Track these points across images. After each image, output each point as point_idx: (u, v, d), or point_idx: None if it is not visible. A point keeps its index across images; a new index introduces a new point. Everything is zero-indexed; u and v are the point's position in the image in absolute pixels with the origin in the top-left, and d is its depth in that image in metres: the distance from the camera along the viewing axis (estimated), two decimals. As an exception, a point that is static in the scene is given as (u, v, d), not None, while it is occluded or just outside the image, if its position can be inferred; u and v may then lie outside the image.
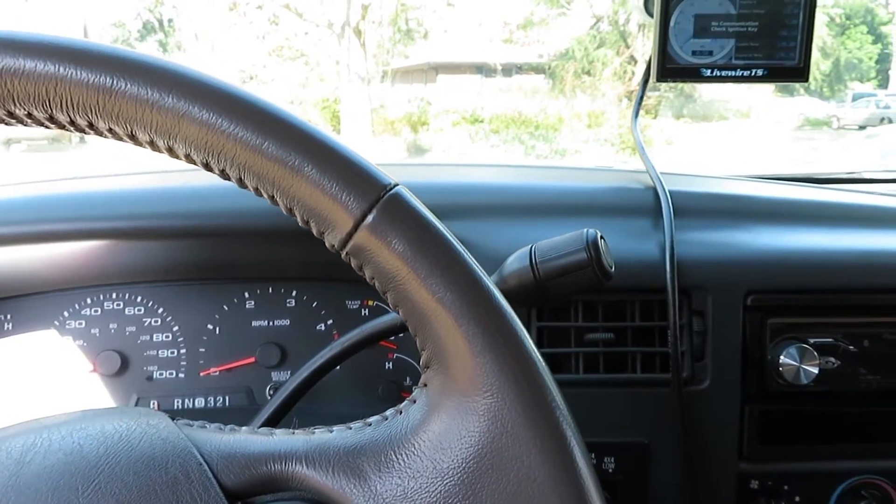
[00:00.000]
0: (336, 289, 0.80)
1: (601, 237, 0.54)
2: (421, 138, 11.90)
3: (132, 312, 0.79)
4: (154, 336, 0.79)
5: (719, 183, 0.89)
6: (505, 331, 0.34)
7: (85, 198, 0.76)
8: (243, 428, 0.37)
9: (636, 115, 0.90)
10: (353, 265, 0.35)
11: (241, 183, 0.35)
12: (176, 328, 0.79)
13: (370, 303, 0.80)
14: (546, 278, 0.54)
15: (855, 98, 19.67)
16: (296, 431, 0.36)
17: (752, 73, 0.81)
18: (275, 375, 0.79)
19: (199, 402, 0.78)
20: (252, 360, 0.79)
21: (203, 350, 0.80)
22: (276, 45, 18.66)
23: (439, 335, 0.34)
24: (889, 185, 1.29)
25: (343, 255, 0.35)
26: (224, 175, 0.35)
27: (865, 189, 1.19)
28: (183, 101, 0.34)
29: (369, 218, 0.34)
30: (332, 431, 0.36)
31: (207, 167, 0.35)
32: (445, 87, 17.99)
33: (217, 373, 0.79)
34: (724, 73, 0.81)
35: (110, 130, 0.35)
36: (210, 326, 0.80)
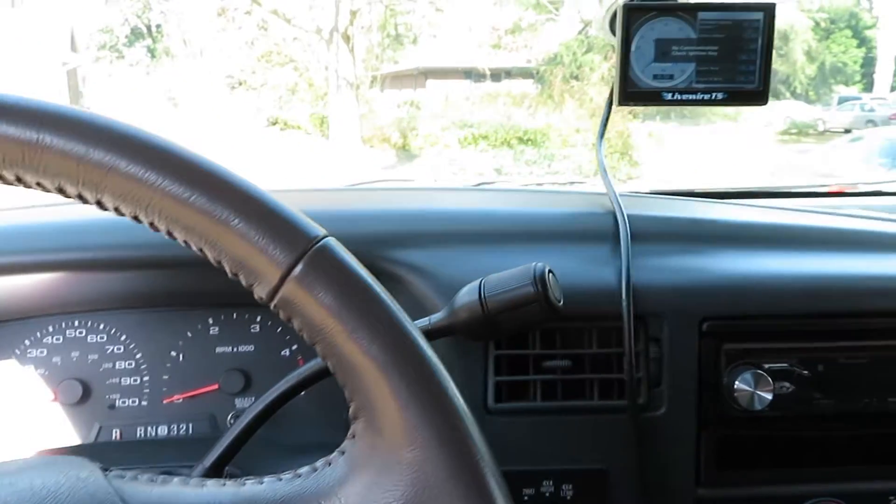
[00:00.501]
0: None
1: (549, 271, 0.55)
2: (411, 143, 11.91)
3: (94, 340, 0.79)
4: (116, 364, 0.79)
5: (680, 205, 0.90)
6: (430, 384, 0.34)
7: (41, 229, 0.75)
8: (175, 479, 0.37)
9: (601, 136, 0.90)
10: (281, 317, 0.35)
11: (170, 235, 0.35)
12: (139, 355, 0.79)
13: None
14: (495, 312, 0.54)
15: (840, 101, 19.85)
16: (227, 483, 0.36)
17: (713, 97, 0.82)
18: (238, 402, 0.79)
19: (162, 431, 0.78)
20: (215, 386, 0.79)
21: (166, 377, 0.79)
22: (265, 51, 18.64)
23: (366, 387, 0.34)
24: (863, 197, 1.30)
25: (271, 307, 0.35)
26: (153, 227, 0.35)
27: (836, 203, 1.21)
28: (109, 154, 0.34)
29: (296, 270, 0.34)
30: (262, 483, 0.36)
31: (136, 219, 0.35)
32: (435, 92, 18.01)
33: (180, 400, 0.79)
34: (684, 96, 0.82)
35: (38, 184, 0.35)
36: (173, 353, 0.80)
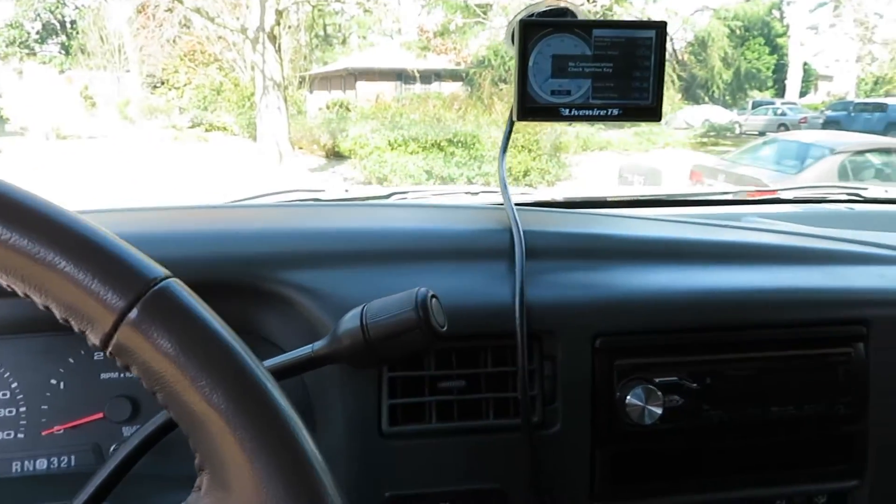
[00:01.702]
0: None
1: (433, 296, 0.54)
2: (340, 145, 11.77)
3: None
4: None
5: (578, 219, 0.91)
6: (278, 433, 0.33)
7: None
8: None
9: (503, 151, 0.90)
10: (119, 365, 0.33)
11: None
12: (14, 385, 0.74)
13: None
14: (376, 339, 0.53)
15: (755, 106, 20.86)
16: None
17: (609, 113, 0.83)
18: (126, 430, 0.75)
19: (41, 464, 0.73)
20: (100, 415, 0.74)
21: (46, 407, 0.74)
22: (189, 49, 18.10)
23: (211, 438, 0.32)
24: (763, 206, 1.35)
25: (107, 354, 0.33)
26: None
27: (737, 210, 1.25)
28: None
29: (132, 314, 0.32)
30: None
31: None
32: (365, 93, 17.89)
33: (62, 431, 0.74)
34: (581, 112, 0.82)
35: None
36: (54, 381, 0.75)
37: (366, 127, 11.62)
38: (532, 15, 0.87)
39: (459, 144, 10.62)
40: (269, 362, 0.56)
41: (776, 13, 24.90)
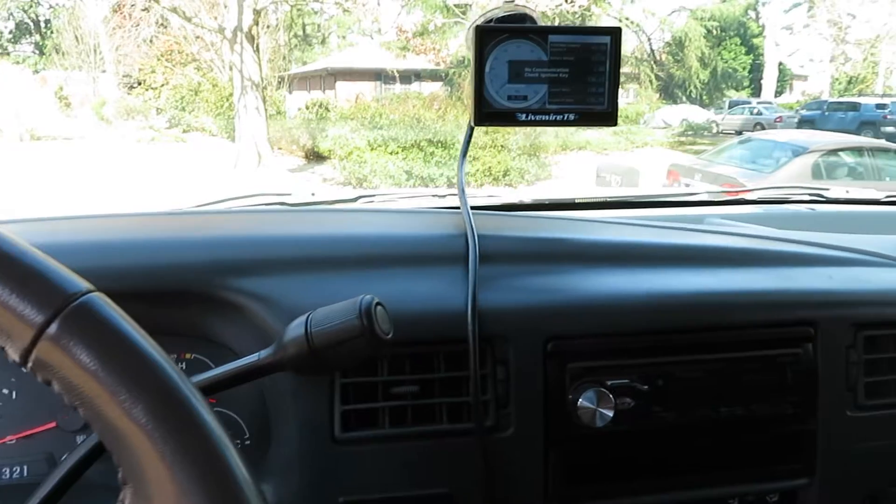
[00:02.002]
0: None
1: (378, 304, 0.54)
2: (320, 145, 11.72)
3: None
4: None
5: (533, 223, 0.91)
6: (201, 447, 0.33)
7: None
8: None
9: (463, 155, 0.90)
10: (39, 380, 0.33)
11: None
12: None
13: (187, 356, 0.77)
14: (320, 347, 0.53)
15: (731, 105, 21.14)
16: None
17: (565, 118, 0.83)
18: (79, 439, 0.75)
19: None
20: (53, 424, 0.74)
21: None
22: (166, 49, 17.91)
23: (133, 453, 0.32)
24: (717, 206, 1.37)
25: (27, 368, 0.33)
26: None
27: (698, 212, 1.26)
28: None
29: (51, 329, 0.32)
30: None
31: None
32: (344, 94, 17.83)
33: (13, 441, 0.74)
34: (538, 117, 0.83)
35: None
36: (6, 391, 0.74)
37: (345, 127, 11.58)
38: (490, 20, 0.88)
39: (439, 144, 10.63)
40: (214, 372, 0.56)
41: (752, 14, 25.23)
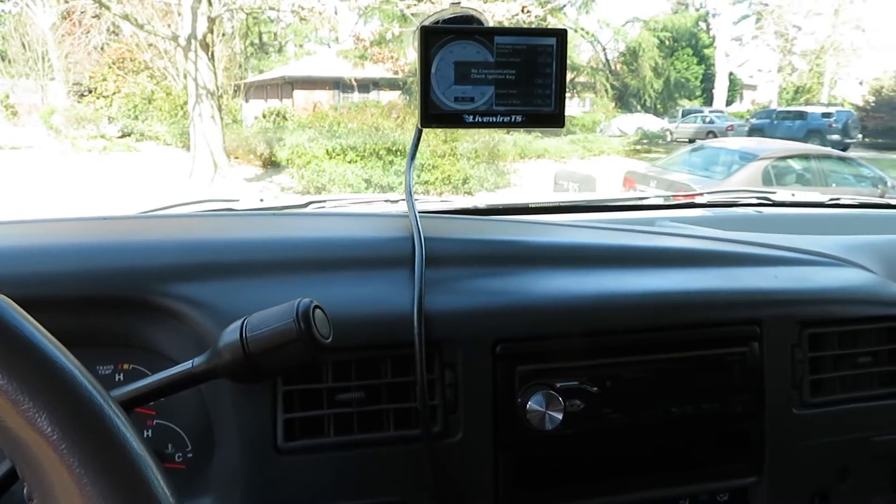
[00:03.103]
0: (86, 354, 0.73)
1: (315, 307, 0.52)
2: (277, 154, 11.59)
3: None
4: None
5: (481, 226, 0.91)
6: (113, 455, 0.31)
7: None
8: None
9: (412, 158, 0.89)
10: None
11: None
12: None
13: (125, 366, 0.74)
14: (256, 352, 0.51)
15: (684, 114, 21.64)
16: None
17: (512, 119, 0.83)
18: None
19: None
20: None
21: None
22: (118, 57, 17.49)
23: (37, 464, 0.30)
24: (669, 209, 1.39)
25: None
26: None
27: (650, 216, 1.27)
28: None
29: None
30: None
31: None
32: (302, 102, 17.68)
33: None
34: (485, 118, 0.82)
35: None
36: None
37: (303, 136, 11.48)
38: (437, 22, 0.87)
39: (398, 153, 10.61)
40: (146, 381, 0.54)
41: (703, 25, 25.91)
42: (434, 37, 0.80)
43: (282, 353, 0.51)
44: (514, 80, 0.82)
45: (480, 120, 0.82)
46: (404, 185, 0.86)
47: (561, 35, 0.82)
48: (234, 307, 0.65)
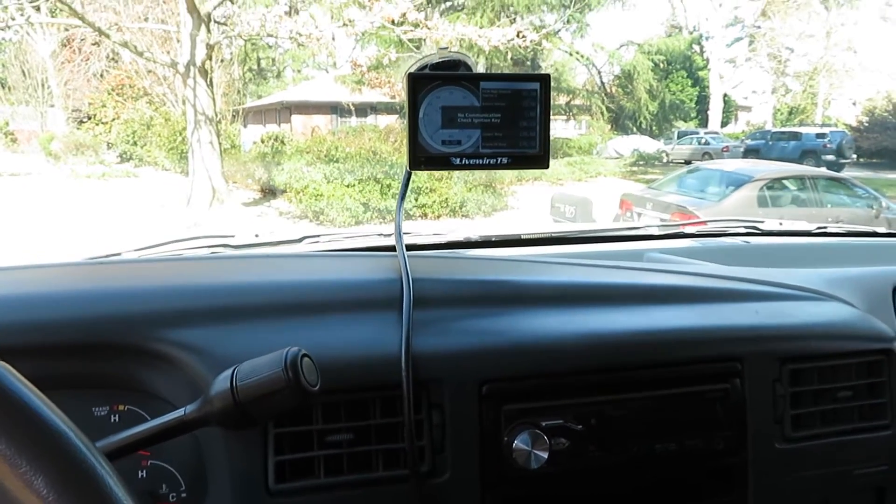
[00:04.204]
0: (82, 396, 0.74)
1: (303, 356, 0.54)
2: (276, 178, 11.64)
3: None
4: None
5: (470, 265, 0.93)
6: None
7: None
8: None
9: (402, 198, 0.91)
10: None
11: None
12: None
13: (121, 408, 0.75)
14: (246, 401, 0.53)
15: (680, 136, 21.82)
16: None
17: (498, 161, 0.85)
18: None
19: None
20: None
21: None
22: (117, 84, 17.65)
23: None
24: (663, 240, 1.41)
25: None
26: None
27: (638, 247, 1.29)
28: None
29: None
30: None
31: None
32: (300, 127, 17.80)
33: None
34: (472, 161, 0.85)
35: None
36: None
37: (301, 161, 11.54)
38: (425, 66, 0.90)
39: (396, 177, 10.66)
40: (138, 429, 0.55)
41: (696, 48, 26.21)
42: (421, 83, 0.83)
43: (271, 401, 0.53)
44: (500, 124, 0.85)
45: (467, 162, 0.85)
46: (394, 224, 0.88)
47: (544, 80, 0.85)
48: (225, 352, 0.67)
